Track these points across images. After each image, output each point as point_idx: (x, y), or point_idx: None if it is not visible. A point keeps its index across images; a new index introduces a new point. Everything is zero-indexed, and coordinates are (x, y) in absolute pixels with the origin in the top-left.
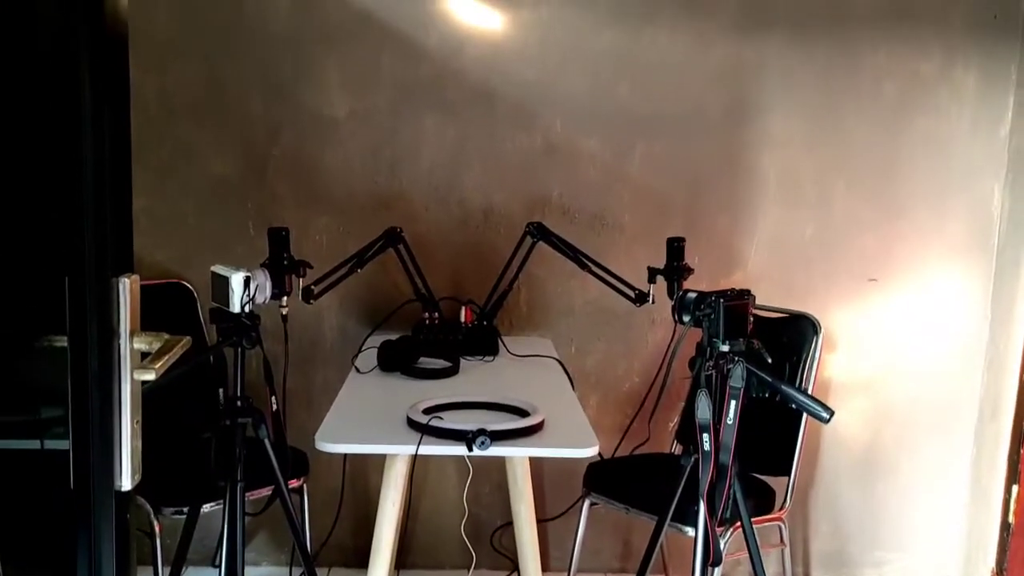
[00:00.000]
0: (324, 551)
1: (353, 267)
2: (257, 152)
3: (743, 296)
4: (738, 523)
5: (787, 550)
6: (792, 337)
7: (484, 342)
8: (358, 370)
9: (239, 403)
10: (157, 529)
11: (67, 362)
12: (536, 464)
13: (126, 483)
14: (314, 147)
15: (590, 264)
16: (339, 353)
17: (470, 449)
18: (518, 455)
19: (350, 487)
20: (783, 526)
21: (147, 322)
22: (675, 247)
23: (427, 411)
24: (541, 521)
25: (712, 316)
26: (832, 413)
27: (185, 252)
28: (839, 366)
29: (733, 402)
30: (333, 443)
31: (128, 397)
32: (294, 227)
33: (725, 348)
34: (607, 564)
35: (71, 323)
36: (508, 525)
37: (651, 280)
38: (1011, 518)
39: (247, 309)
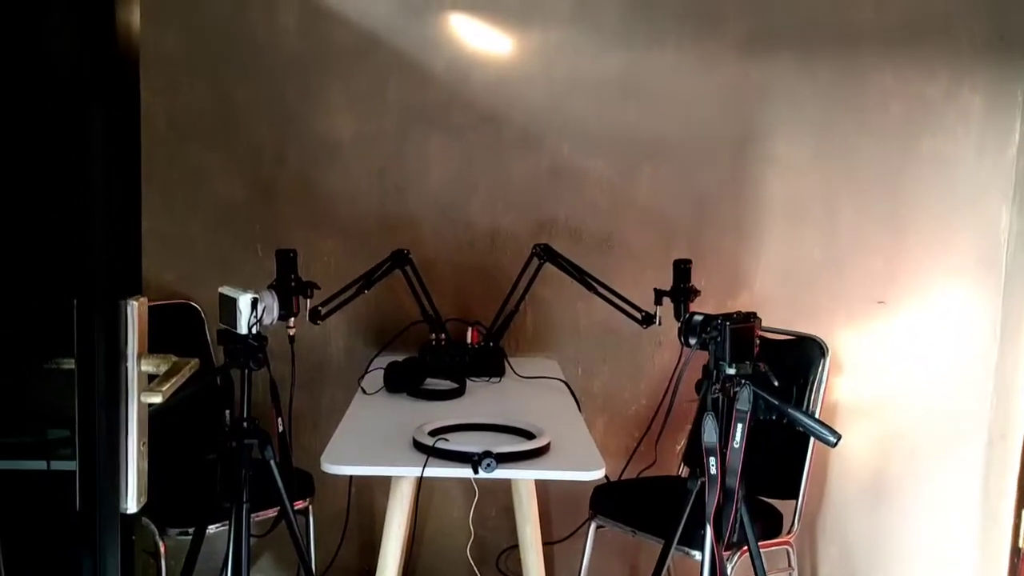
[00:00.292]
0: (329, 573)
1: (360, 288)
2: (265, 174)
3: (749, 319)
4: (745, 547)
5: (795, 574)
6: (799, 360)
7: (490, 363)
8: (364, 391)
9: (245, 424)
10: (162, 550)
11: (74, 384)
12: (542, 486)
13: (132, 506)
14: (321, 169)
15: (597, 286)
16: (346, 374)
17: (476, 472)
18: (524, 478)
19: (356, 508)
20: (791, 550)
21: (155, 343)
22: (682, 269)
23: (433, 433)
24: (547, 544)
25: (718, 339)
26: (839, 437)
27: (193, 273)
28: (847, 389)
29: (740, 425)
30: (339, 465)
31: (135, 419)
32: (302, 248)
33: (731, 371)
34: None
35: (79, 345)
36: (514, 547)
37: (658, 302)
38: (1021, 542)
39: (254, 330)
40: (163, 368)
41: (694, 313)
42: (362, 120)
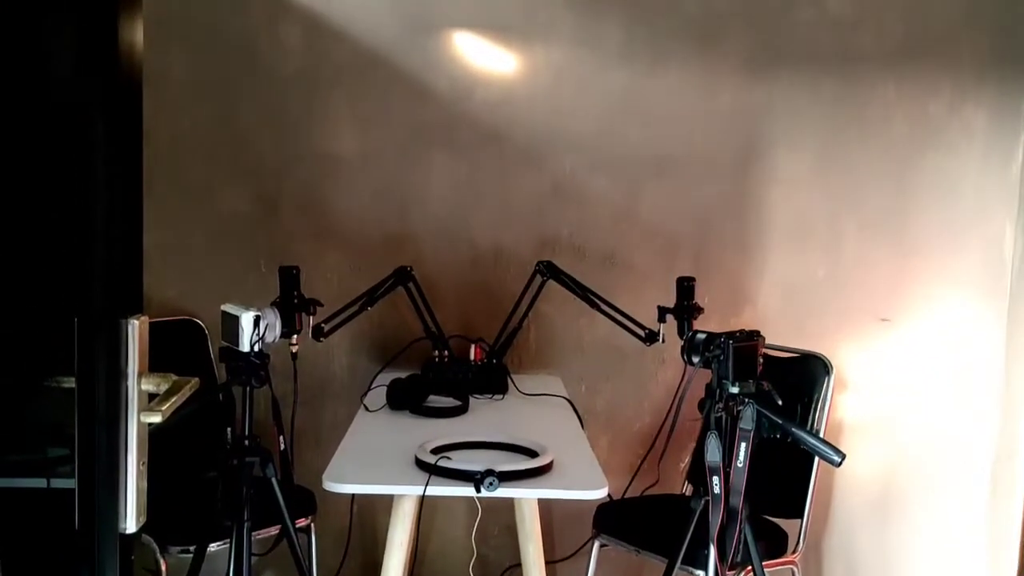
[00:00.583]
0: None
1: (363, 305)
2: (268, 190)
3: (752, 337)
4: (749, 567)
5: None
6: (803, 378)
7: (493, 380)
8: (367, 408)
9: (247, 442)
10: (163, 568)
11: (74, 403)
12: (545, 504)
13: (131, 526)
14: (325, 186)
15: (600, 303)
16: (348, 391)
17: (478, 490)
18: (526, 497)
19: (358, 526)
20: (796, 570)
21: (157, 359)
22: (685, 286)
23: (436, 451)
24: (551, 562)
25: (721, 357)
26: (844, 456)
27: (196, 289)
28: (851, 407)
29: (743, 444)
30: (341, 483)
31: (135, 439)
32: (305, 265)
33: (735, 390)
34: None
35: (79, 364)
36: (517, 566)
37: (661, 319)
38: None
39: (256, 348)
40: (163, 387)
41: (697, 331)
42: (366, 137)
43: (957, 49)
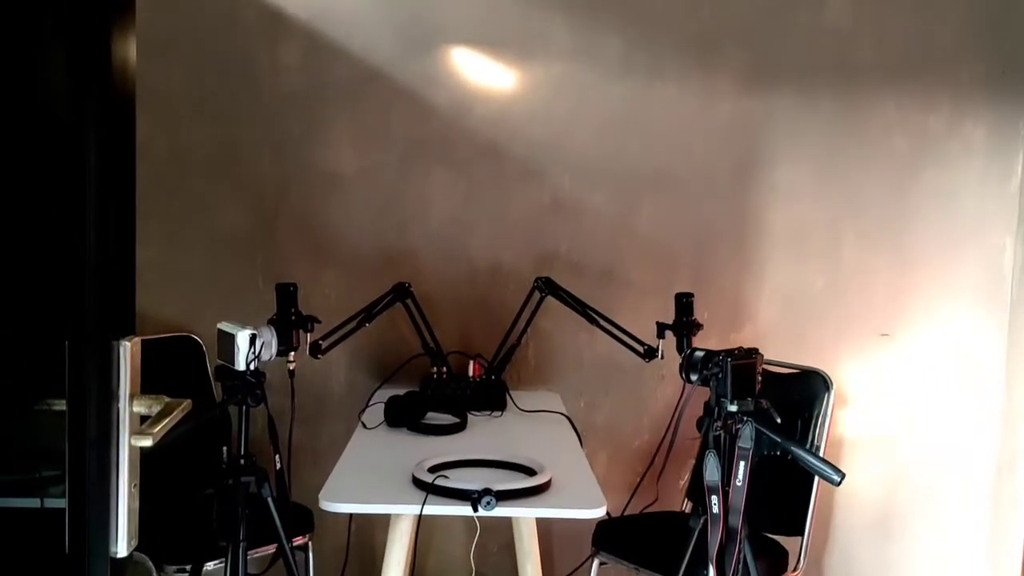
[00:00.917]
0: None
1: (361, 322)
2: (267, 207)
3: (751, 355)
4: None
5: None
6: (803, 394)
7: (492, 397)
8: (364, 426)
9: (242, 461)
10: None
11: (65, 425)
12: (545, 521)
13: (122, 549)
14: (323, 203)
15: (599, 319)
16: (347, 408)
17: (475, 509)
18: (524, 516)
19: (356, 544)
20: None
21: (156, 376)
22: (684, 302)
23: (433, 469)
24: None
25: (719, 375)
26: (843, 476)
27: (194, 306)
28: (852, 422)
29: (742, 463)
30: (337, 503)
31: (126, 461)
32: (303, 282)
33: (733, 408)
34: None
35: (70, 386)
36: None
37: (660, 335)
38: None
39: (252, 367)
40: (155, 409)
41: (695, 349)
42: (364, 154)
43: (956, 65)
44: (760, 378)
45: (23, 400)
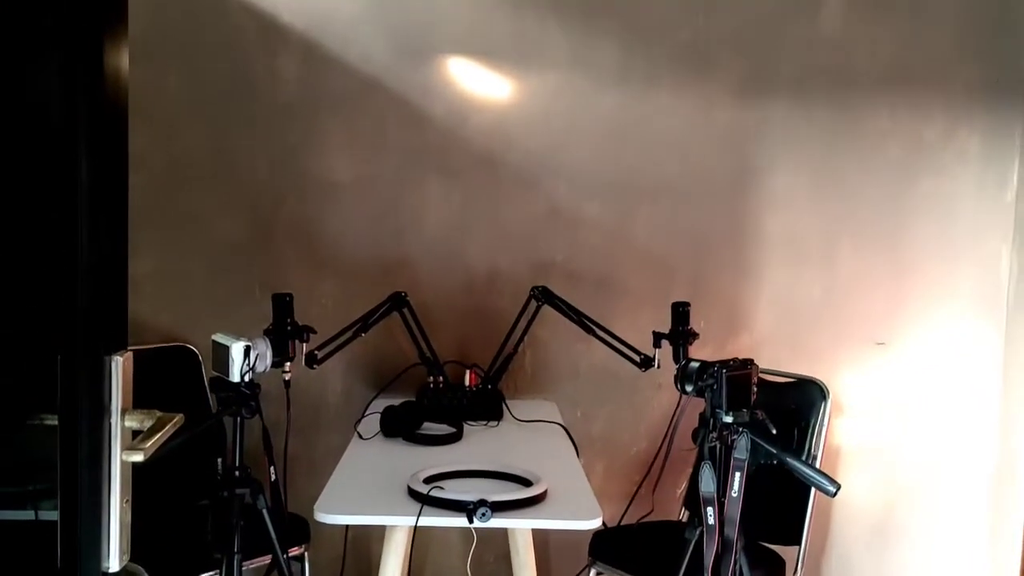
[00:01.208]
0: None
1: (357, 332)
2: (263, 217)
3: (746, 365)
4: None
5: None
6: (800, 402)
7: (489, 406)
8: (360, 436)
9: (237, 473)
10: None
11: (57, 440)
12: (542, 532)
13: (114, 564)
14: (320, 212)
15: (595, 328)
16: (343, 418)
17: (471, 521)
18: (520, 527)
19: (352, 554)
20: None
21: (151, 386)
22: (680, 311)
23: (428, 480)
24: None
25: (715, 386)
26: (839, 487)
27: (190, 316)
28: (849, 431)
29: (738, 474)
30: (332, 514)
31: (118, 476)
32: (300, 291)
33: (728, 419)
34: None
35: (62, 401)
36: None
37: (656, 344)
38: None
39: (247, 378)
40: (147, 424)
41: (690, 360)
42: (361, 163)
43: (951, 74)
44: (755, 389)
45: (15, 414)
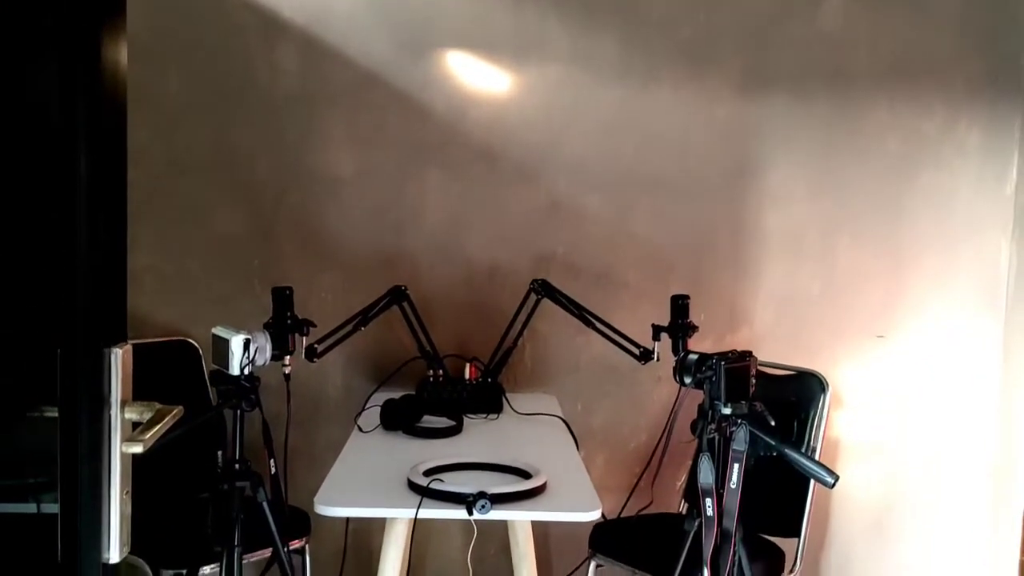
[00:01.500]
0: None
1: (357, 325)
2: (264, 210)
3: (744, 357)
4: None
5: None
6: (799, 395)
7: (488, 400)
8: (360, 429)
9: (237, 466)
10: None
11: (57, 433)
12: (542, 524)
13: (114, 556)
14: (320, 206)
15: (595, 321)
16: (343, 411)
17: (470, 513)
18: (519, 519)
19: (353, 547)
20: None
21: (152, 380)
22: (679, 305)
23: (428, 472)
24: None
25: (713, 378)
26: (837, 478)
27: (191, 310)
28: (848, 424)
29: (736, 466)
30: (332, 507)
31: (118, 468)
32: (300, 285)
33: (727, 411)
34: None
35: (61, 394)
36: None
37: (655, 338)
38: None
39: (247, 372)
40: (147, 416)
41: (689, 352)
42: (361, 157)
43: (950, 69)
44: (754, 381)
45: (15, 407)
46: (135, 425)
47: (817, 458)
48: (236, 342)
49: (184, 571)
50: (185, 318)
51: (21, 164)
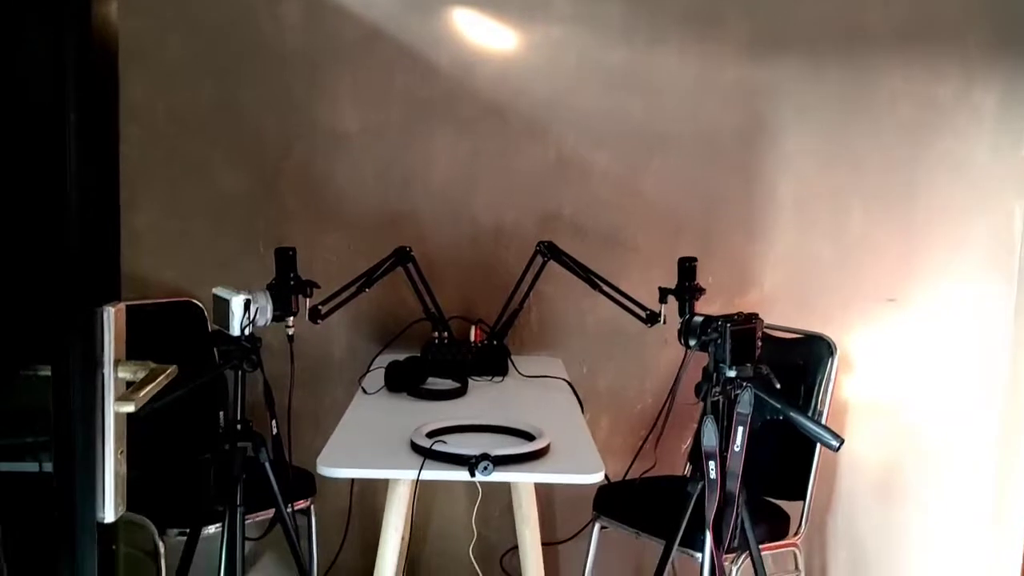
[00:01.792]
0: (333, 572)
1: (361, 287)
2: (268, 169)
3: (750, 320)
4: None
5: None
6: (807, 358)
7: (494, 362)
8: (365, 391)
9: (239, 426)
10: (162, 550)
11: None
12: (547, 486)
13: (109, 515)
14: (325, 164)
15: (601, 283)
16: (349, 372)
17: (472, 474)
18: (522, 481)
19: (359, 507)
20: (798, 552)
21: (156, 341)
22: (687, 267)
23: (431, 434)
24: (553, 544)
25: (718, 341)
26: (842, 441)
27: (194, 270)
28: (857, 388)
29: (740, 428)
30: (335, 468)
31: (112, 427)
32: (304, 245)
33: (732, 373)
34: None
35: (54, 353)
36: (517, 548)
37: (662, 300)
38: None
39: (247, 332)
40: (140, 375)
41: (694, 314)
42: (367, 114)
43: (964, 33)
44: (760, 343)
45: (9, 366)
46: (129, 385)
47: (824, 421)
48: (236, 302)
49: (188, 531)
50: (189, 278)
51: (9, 119)
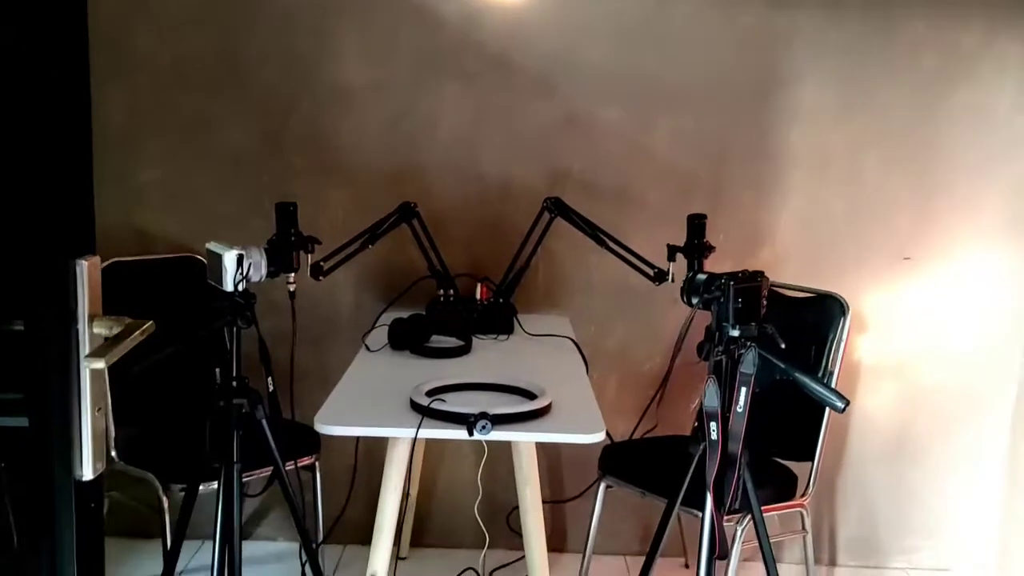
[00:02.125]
0: (338, 528)
1: (364, 243)
2: (273, 123)
3: (756, 278)
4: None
5: (809, 537)
6: (818, 318)
7: (499, 320)
8: (368, 348)
9: (234, 383)
10: (165, 505)
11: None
12: (553, 446)
13: (87, 472)
14: (331, 118)
15: (608, 241)
16: (354, 329)
17: (471, 434)
18: (521, 440)
19: (364, 463)
20: (804, 513)
21: (158, 296)
22: (696, 224)
23: (432, 393)
24: (559, 502)
25: (722, 299)
26: (847, 403)
27: (198, 225)
28: (870, 348)
29: (743, 389)
30: (332, 425)
31: (88, 384)
32: (310, 200)
33: (735, 333)
34: (627, 546)
35: (27, 308)
36: None
37: (671, 258)
38: None
39: (240, 288)
40: (116, 330)
41: (697, 272)
42: (373, 67)
43: None
44: (765, 302)
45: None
46: (106, 341)
47: (835, 382)
48: (229, 257)
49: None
50: (193, 234)
51: None
